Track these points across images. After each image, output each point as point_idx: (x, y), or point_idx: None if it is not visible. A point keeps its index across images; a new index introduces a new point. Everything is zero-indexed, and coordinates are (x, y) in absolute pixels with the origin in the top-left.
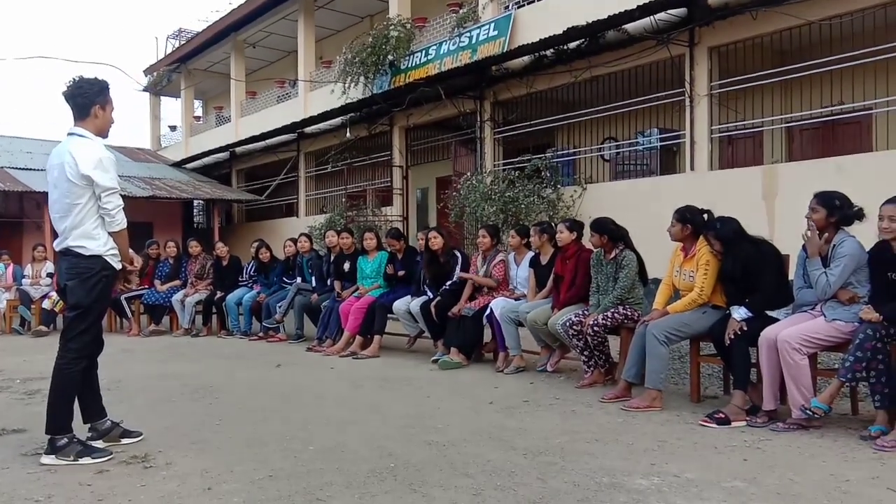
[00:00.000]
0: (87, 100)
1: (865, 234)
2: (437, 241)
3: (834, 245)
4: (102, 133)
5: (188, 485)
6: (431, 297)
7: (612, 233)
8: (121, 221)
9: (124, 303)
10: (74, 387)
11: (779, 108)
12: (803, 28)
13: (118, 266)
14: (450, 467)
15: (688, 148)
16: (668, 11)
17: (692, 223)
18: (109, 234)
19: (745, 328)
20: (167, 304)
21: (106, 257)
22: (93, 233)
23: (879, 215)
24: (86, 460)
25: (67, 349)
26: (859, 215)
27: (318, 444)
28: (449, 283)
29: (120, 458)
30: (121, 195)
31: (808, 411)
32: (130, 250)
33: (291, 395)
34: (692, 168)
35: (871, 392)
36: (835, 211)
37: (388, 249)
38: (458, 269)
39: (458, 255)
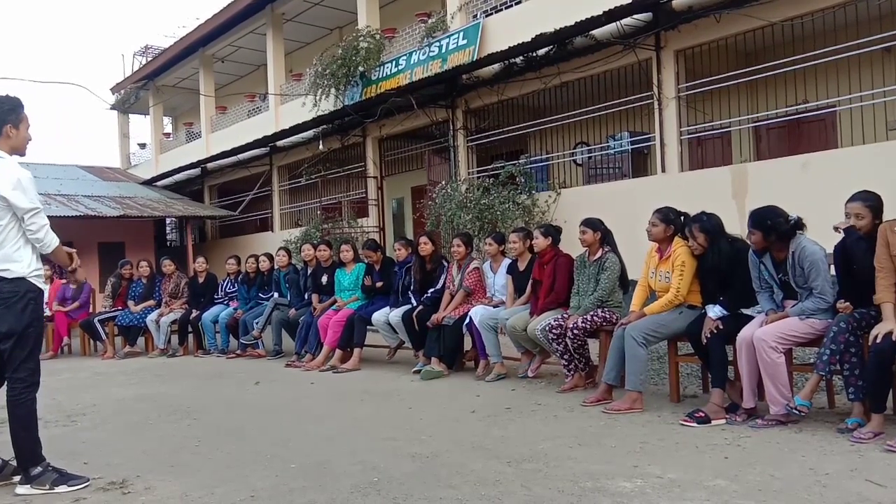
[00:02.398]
0: None
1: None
2: (426, 247)
3: (793, 252)
4: (18, 151)
5: None
6: (416, 303)
7: (604, 232)
8: (51, 242)
9: (98, 325)
10: (34, 415)
11: (745, 108)
12: (766, 29)
13: (43, 287)
14: (434, 479)
15: (658, 150)
16: (634, 16)
17: (675, 224)
18: (44, 256)
19: (721, 326)
20: (142, 325)
21: (30, 279)
22: (14, 255)
23: (845, 212)
24: (62, 489)
25: (16, 380)
26: (799, 226)
27: (299, 462)
28: (431, 290)
29: (97, 485)
30: (46, 214)
31: (793, 410)
32: (73, 255)
33: (271, 413)
34: (663, 170)
35: (846, 385)
36: (770, 232)
37: (366, 261)
38: (442, 278)
39: (446, 264)
